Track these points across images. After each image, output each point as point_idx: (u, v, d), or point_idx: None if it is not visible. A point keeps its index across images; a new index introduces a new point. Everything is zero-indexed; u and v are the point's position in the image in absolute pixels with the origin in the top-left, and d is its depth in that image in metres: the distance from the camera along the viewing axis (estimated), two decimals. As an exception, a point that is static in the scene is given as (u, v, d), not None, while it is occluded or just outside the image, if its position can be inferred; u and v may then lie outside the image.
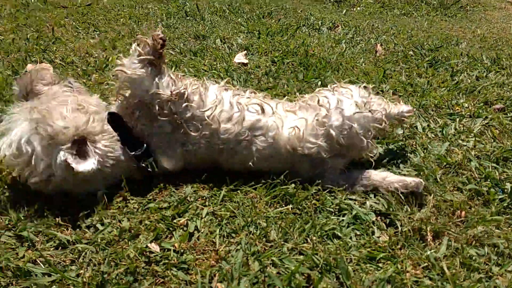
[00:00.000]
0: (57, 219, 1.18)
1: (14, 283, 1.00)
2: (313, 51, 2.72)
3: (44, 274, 1.02)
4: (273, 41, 2.90)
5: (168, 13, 3.42)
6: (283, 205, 1.32)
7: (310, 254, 1.11)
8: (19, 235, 1.13)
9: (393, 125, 1.59)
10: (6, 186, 1.29)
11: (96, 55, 2.38)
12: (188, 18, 3.35)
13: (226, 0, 4.03)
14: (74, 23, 2.92)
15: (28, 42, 2.48)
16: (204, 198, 1.34)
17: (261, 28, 3.16)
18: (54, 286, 0.98)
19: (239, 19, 3.42)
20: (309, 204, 1.32)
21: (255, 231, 1.21)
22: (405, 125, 1.69)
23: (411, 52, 2.86)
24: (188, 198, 1.32)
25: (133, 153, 1.29)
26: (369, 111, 1.41)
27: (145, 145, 1.31)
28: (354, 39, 3.10)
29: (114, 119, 1.30)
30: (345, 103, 1.40)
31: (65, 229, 1.17)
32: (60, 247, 1.11)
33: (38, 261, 1.05)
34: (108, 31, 2.86)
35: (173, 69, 2.27)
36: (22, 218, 1.18)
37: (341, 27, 3.40)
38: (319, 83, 2.24)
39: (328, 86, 1.54)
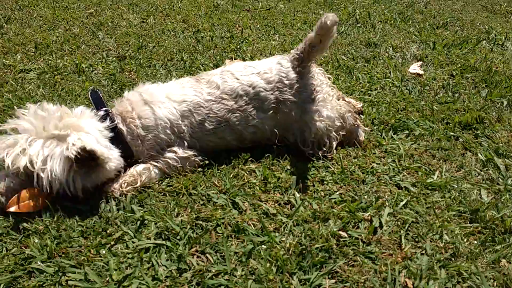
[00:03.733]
0: (261, 194, 1.40)
1: (233, 236, 1.22)
2: (497, 67, 2.53)
3: (254, 234, 1.23)
4: (449, 53, 2.79)
5: (339, 19, 3.54)
6: (468, 222, 1.32)
7: (500, 276, 1.10)
8: (232, 200, 1.37)
9: None
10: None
11: (279, 55, 2.63)
12: (358, 25, 3.43)
13: (396, 9, 3.99)
14: (257, 26, 3.27)
15: (223, 40, 2.87)
16: (384, 199, 1.41)
17: (436, 39, 3.06)
18: (264, 246, 1.18)
19: (411, 29, 3.36)
20: (499, 224, 1.28)
21: (439, 240, 1.23)
22: None
23: None
24: (368, 196, 1.41)
25: None
26: None
27: None
28: (547, 58, 2.78)
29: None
30: None
31: (266, 202, 1.37)
32: (265, 216, 1.31)
33: (250, 223, 1.27)
34: (286, 34, 3.12)
35: (346, 74, 2.39)
36: (234, 185, 1.43)
37: (530, 44, 3.07)
38: (505, 102, 2.10)
39: None
